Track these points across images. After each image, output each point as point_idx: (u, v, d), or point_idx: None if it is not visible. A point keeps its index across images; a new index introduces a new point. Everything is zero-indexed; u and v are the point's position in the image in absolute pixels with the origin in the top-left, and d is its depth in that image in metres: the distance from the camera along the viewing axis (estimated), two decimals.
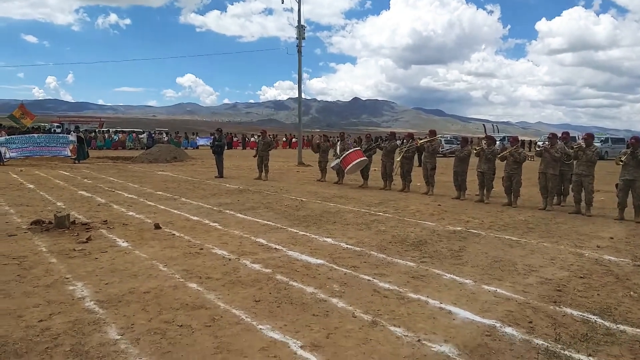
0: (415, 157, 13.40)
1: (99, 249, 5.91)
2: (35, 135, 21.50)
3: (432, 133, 12.84)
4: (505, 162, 10.50)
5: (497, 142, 17.52)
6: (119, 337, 3.47)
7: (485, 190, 10.88)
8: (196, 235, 6.81)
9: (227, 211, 8.93)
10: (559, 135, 10.90)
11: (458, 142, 15.56)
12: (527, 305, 4.32)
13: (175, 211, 8.83)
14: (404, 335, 3.59)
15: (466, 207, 10.07)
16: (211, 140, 20.68)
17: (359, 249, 6.23)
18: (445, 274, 5.19)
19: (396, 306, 4.20)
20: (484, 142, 11.62)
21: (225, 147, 18.47)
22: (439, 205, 10.27)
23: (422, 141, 12.83)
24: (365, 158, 13.18)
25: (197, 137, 41.77)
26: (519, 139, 11.32)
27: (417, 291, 4.60)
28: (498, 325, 3.84)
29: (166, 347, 3.33)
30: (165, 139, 36.64)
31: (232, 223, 7.80)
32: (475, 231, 7.55)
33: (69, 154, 20.24)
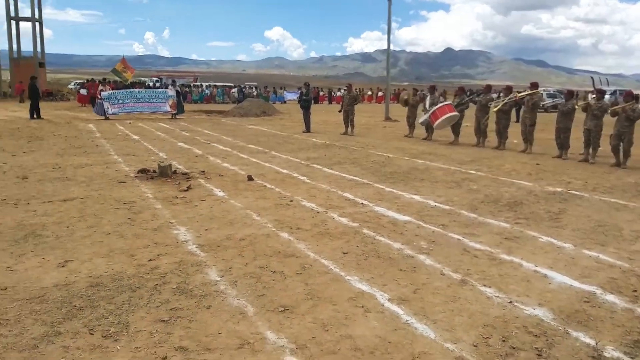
0: (513, 112, 12.55)
1: (199, 197, 6.33)
2: (137, 90, 21.73)
3: (534, 86, 11.94)
4: (616, 118, 9.55)
5: (607, 97, 15.93)
6: (219, 278, 3.74)
7: (591, 149, 10.04)
8: (286, 188, 7.05)
9: (315, 165, 9.09)
10: None
11: (562, 96, 14.30)
12: (632, 273, 4.02)
13: (266, 164, 9.16)
14: (495, 296, 3.52)
15: (568, 167, 9.40)
16: (299, 95, 20.82)
17: (448, 207, 6.10)
18: (542, 237, 4.94)
19: (487, 267, 4.10)
20: (591, 96, 10.61)
21: (313, 102, 18.53)
22: (538, 164, 9.67)
23: (521, 94, 11.98)
24: (456, 113, 12.61)
25: (285, 92, 42.41)
26: (634, 93, 10.13)
27: (510, 253, 4.45)
28: (598, 292, 3.63)
29: (261, 290, 3.55)
30: (255, 93, 37.62)
31: (319, 177, 7.95)
32: (577, 193, 7.05)
33: (169, 109, 19.97)
